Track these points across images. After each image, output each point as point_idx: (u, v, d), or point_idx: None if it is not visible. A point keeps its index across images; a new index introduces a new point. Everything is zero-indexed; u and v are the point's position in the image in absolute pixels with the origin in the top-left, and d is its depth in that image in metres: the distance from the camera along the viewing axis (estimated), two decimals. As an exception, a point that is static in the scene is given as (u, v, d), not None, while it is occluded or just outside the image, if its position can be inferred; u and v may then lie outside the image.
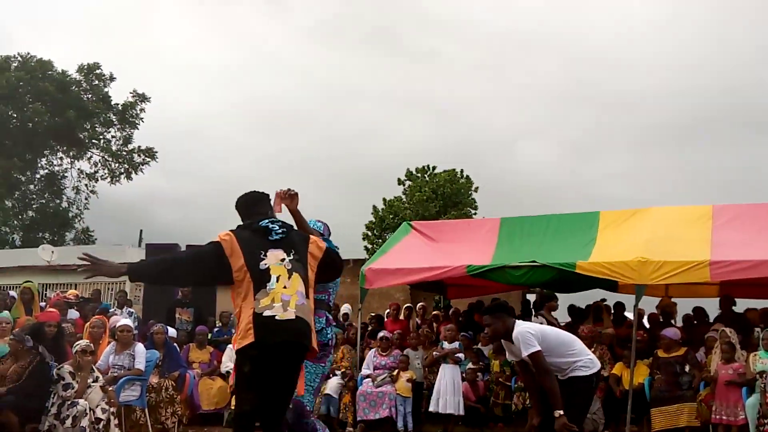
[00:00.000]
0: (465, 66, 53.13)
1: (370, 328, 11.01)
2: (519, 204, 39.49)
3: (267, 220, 4.19)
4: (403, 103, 54.42)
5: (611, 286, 9.87)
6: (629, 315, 10.05)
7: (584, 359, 5.12)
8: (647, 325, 10.15)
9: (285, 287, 3.95)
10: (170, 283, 3.98)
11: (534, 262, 8.75)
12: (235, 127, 58.40)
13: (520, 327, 5.05)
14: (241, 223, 4.33)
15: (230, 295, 4.09)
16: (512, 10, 54.81)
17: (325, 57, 57.52)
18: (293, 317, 3.92)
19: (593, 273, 8.43)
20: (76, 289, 19.03)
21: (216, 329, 10.66)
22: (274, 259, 4.03)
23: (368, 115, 54.01)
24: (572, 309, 10.63)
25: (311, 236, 4.40)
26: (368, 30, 56.34)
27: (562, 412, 4.82)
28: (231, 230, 4.12)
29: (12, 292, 10.82)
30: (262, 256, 4.00)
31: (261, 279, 3.94)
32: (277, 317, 3.86)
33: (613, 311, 10.54)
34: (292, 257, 4.08)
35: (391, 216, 28.37)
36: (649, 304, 10.50)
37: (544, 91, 51.83)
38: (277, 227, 4.15)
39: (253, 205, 4.36)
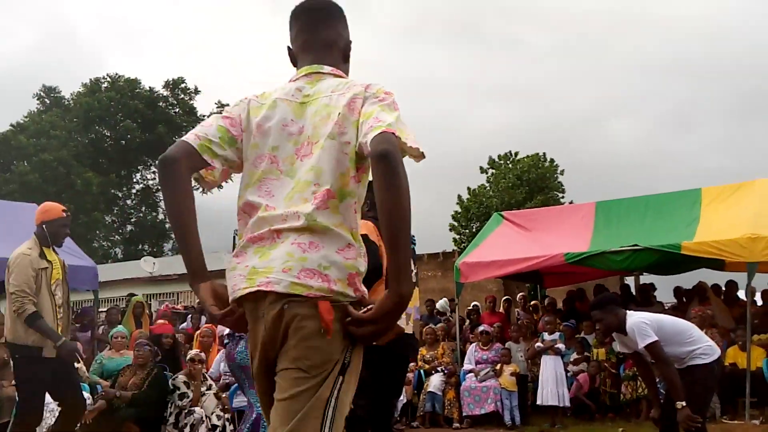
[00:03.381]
0: (547, 50, 52.21)
1: (467, 322, 10.92)
2: (609, 184, 38.51)
3: None
4: (484, 91, 53.96)
5: (718, 265, 9.44)
6: (741, 295, 9.59)
7: (703, 346, 4.89)
8: (760, 304, 9.66)
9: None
10: None
11: (636, 245, 8.48)
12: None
13: (634, 318, 4.86)
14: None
15: None
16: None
17: (405, 53, 57.67)
18: (411, 332, 3.95)
19: (700, 253, 8.11)
20: (177, 297, 19.83)
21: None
22: None
23: (449, 105, 53.80)
24: (678, 291, 10.24)
25: None
26: (448, 23, 56.12)
27: (684, 404, 4.62)
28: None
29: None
30: None
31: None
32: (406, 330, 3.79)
33: (724, 290, 10.07)
34: None
35: (476, 205, 28.14)
36: (761, 281, 10.00)
37: (632, 67, 50.34)
38: None
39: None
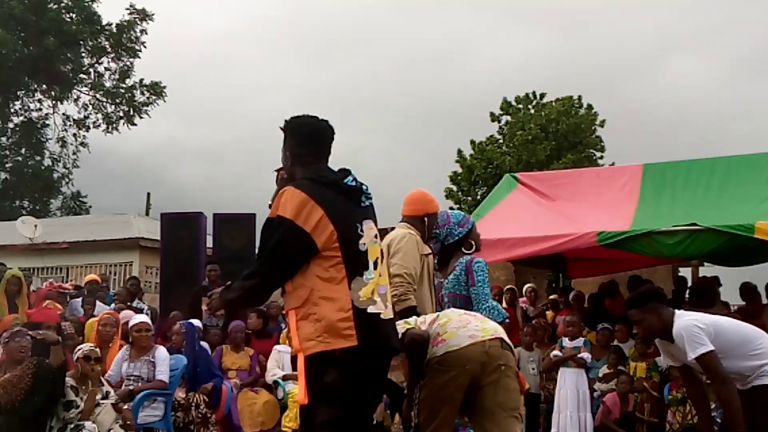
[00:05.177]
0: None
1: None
2: (665, 142, 38.59)
3: (352, 177, 4.01)
4: (501, 10, 53.72)
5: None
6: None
7: (775, 362, 5.02)
8: None
9: (380, 275, 3.96)
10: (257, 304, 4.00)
11: (694, 224, 8.59)
12: (271, 50, 58.79)
13: (683, 320, 4.98)
14: (296, 155, 4.09)
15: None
16: None
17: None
18: (392, 316, 4.03)
19: (779, 238, 8.24)
20: (67, 273, 19.77)
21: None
22: (370, 235, 3.95)
23: (449, 29, 53.55)
24: (746, 289, 10.41)
25: None
26: None
27: (743, 434, 4.78)
28: (297, 185, 3.89)
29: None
30: (360, 231, 3.91)
31: (357, 262, 3.85)
32: (382, 316, 3.88)
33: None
34: (378, 232, 4.08)
35: (483, 164, 28.27)
36: None
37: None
38: (367, 188, 4.04)
39: (325, 141, 4.14)
